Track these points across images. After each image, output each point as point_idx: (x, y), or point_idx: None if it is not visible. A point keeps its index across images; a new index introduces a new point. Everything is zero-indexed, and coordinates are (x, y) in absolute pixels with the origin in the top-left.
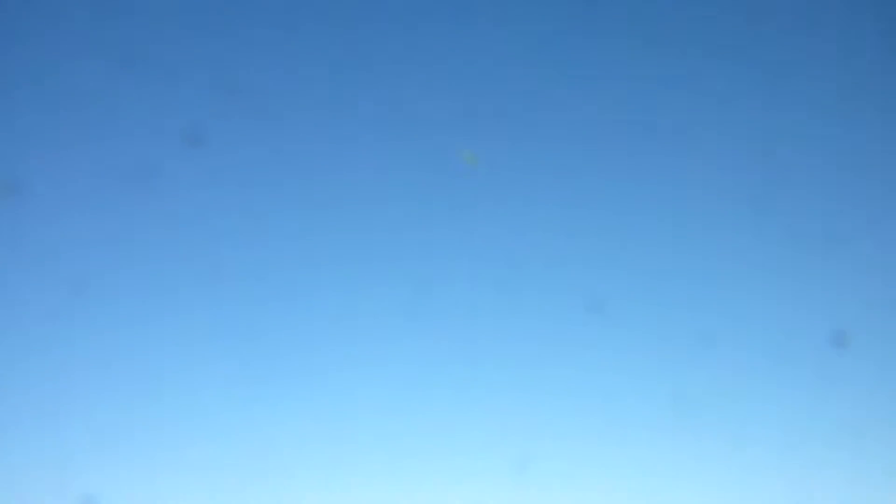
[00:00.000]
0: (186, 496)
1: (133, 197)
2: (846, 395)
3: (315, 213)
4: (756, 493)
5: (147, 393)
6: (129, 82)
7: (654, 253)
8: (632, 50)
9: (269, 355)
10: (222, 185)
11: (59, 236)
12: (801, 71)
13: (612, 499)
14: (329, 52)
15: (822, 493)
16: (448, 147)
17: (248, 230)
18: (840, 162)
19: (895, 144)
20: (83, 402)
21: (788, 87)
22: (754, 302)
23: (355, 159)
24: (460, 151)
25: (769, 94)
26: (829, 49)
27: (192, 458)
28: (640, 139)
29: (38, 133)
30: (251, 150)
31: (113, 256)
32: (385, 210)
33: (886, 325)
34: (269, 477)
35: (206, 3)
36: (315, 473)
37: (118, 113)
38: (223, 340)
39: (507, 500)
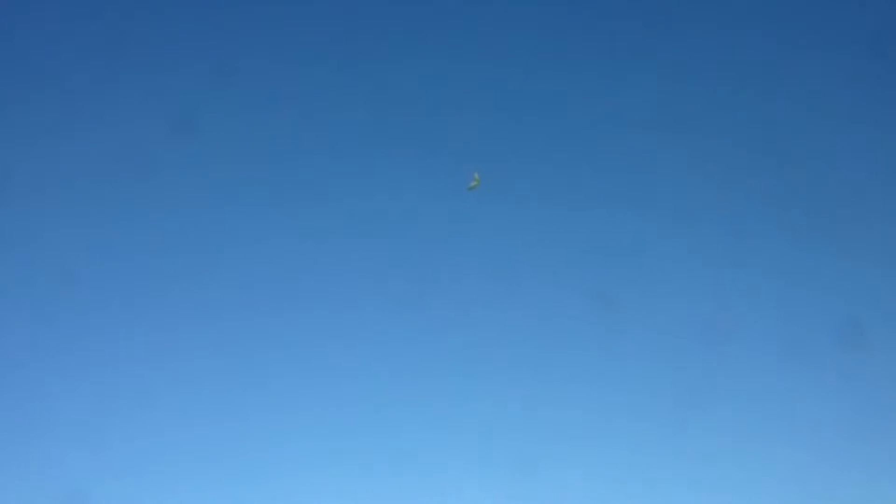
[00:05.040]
0: (177, 495)
1: (122, 188)
2: (857, 390)
3: (312, 203)
4: (764, 490)
5: (139, 390)
6: (120, 72)
7: (661, 249)
8: (634, 50)
9: (263, 352)
10: (215, 178)
11: (45, 229)
12: (807, 68)
13: (617, 494)
14: (325, 44)
15: (832, 487)
16: (447, 142)
17: (241, 223)
18: (847, 158)
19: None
20: (71, 399)
21: (795, 83)
22: (763, 298)
23: (353, 153)
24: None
25: (776, 91)
26: (836, 49)
27: (183, 455)
28: (648, 135)
29: (27, 125)
30: (245, 143)
31: (102, 250)
32: (384, 204)
33: None
34: (264, 476)
35: None
36: (312, 473)
37: (107, 104)
38: (215, 336)
39: (512, 497)
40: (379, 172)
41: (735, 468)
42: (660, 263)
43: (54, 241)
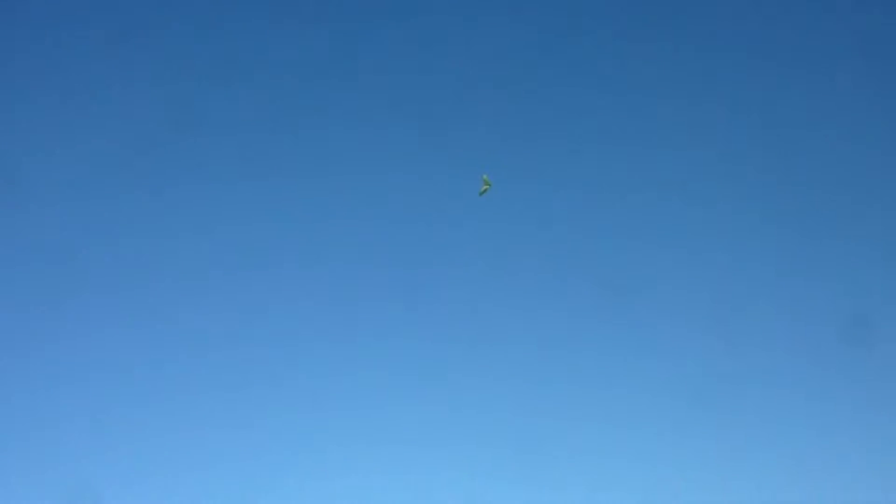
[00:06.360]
0: (180, 493)
1: (122, 186)
2: (864, 386)
3: (314, 200)
4: (770, 487)
5: (140, 390)
6: (120, 66)
7: (668, 244)
8: (642, 46)
9: (265, 351)
10: (214, 175)
11: (48, 227)
12: (812, 66)
13: (620, 492)
14: (324, 36)
15: (837, 482)
16: (450, 138)
17: (243, 220)
18: (853, 153)
19: None
20: (77, 397)
21: (800, 80)
22: (770, 293)
23: (356, 150)
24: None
25: (782, 88)
26: (839, 45)
27: (185, 453)
28: (656, 131)
29: (24, 121)
30: (246, 138)
31: (106, 249)
32: (387, 200)
33: None
34: (264, 474)
35: None
36: (313, 471)
37: (109, 99)
38: (217, 335)
39: (515, 494)
40: (384, 168)
41: (742, 462)
42: (667, 261)
43: (61, 237)
